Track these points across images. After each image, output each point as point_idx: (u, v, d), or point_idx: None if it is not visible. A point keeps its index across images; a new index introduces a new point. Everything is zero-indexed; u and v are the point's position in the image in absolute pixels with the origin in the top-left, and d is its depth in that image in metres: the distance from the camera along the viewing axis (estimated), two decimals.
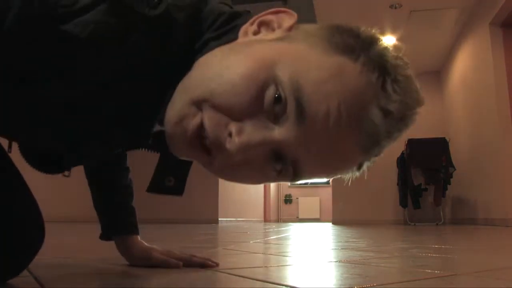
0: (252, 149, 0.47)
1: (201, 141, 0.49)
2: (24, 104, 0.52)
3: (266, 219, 10.04)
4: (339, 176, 0.54)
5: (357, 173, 0.54)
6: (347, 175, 0.54)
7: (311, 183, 11.46)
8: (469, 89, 5.82)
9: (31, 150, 0.69)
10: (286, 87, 0.45)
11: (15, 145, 0.70)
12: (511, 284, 0.76)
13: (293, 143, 0.47)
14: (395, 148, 6.38)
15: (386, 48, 0.49)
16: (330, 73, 0.46)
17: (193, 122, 0.48)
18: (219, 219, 6.40)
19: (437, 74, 7.23)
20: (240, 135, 0.46)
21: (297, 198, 11.43)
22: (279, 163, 0.49)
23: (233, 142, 0.46)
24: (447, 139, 5.93)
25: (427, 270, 0.90)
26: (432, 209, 6.34)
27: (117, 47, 0.47)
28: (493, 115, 4.84)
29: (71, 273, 0.86)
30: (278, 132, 0.47)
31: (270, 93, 0.46)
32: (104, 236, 0.99)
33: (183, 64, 0.53)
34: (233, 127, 0.47)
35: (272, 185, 11.09)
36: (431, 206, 6.28)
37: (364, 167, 0.53)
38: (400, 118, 0.48)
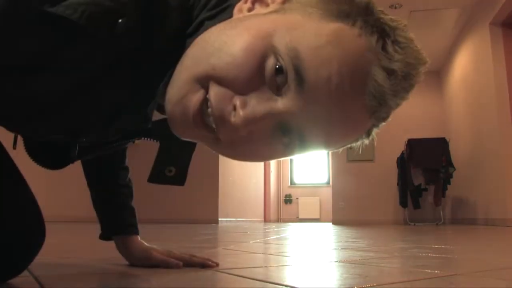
0: (257, 122, 0.46)
1: (203, 118, 0.48)
2: (24, 95, 0.52)
3: (266, 219, 10.04)
4: (348, 145, 0.53)
5: (366, 141, 0.53)
6: (357, 143, 0.53)
7: (311, 183, 11.46)
8: (469, 89, 5.82)
9: (35, 146, 0.68)
10: (285, 57, 0.45)
11: (20, 143, 0.70)
12: (511, 284, 0.76)
13: (297, 112, 0.46)
14: (395, 148, 6.39)
15: (381, 11, 0.48)
16: (328, 38, 0.45)
17: (195, 99, 0.48)
18: (219, 219, 6.40)
19: (437, 74, 7.24)
20: (244, 108, 0.46)
21: (297, 198, 11.42)
22: (285, 136, 0.49)
23: (238, 115, 0.46)
24: (447, 139, 5.94)
25: (427, 270, 0.90)
26: (432, 209, 6.34)
27: (109, 32, 0.46)
28: (493, 115, 4.84)
29: (71, 273, 0.86)
30: (282, 103, 0.46)
31: (270, 64, 0.46)
32: (104, 236, 0.98)
33: (177, 48, 0.52)
34: (237, 100, 0.46)
35: (272, 185, 11.09)
36: (431, 206, 6.28)
37: (373, 133, 0.52)
38: (404, 77, 0.46)
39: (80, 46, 0.47)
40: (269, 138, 0.49)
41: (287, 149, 0.50)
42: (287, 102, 0.46)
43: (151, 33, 0.50)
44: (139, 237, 0.97)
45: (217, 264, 0.93)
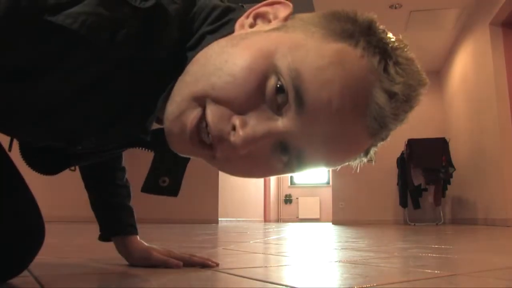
0: (257, 141, 0.46)
1: (200, 136, 0.48)
2: (25, 100, 0.52)
3: (266, 219, 10.04)
4: (346, 164, 0.53)
5: (365, 159, 0.53)
6: (355, 162, 0.53)
7: (311, 183, 11.46)
8: (469, 89, 5.82)
9: (31, 150, 0.69)
10: (286, 77, 0.45)
11: (15, 145, 0.70)
12: (511, 284, 0.76)
13: (297, 132, 0.46)
14: (395, 148, 6.39)
15: (384, 31, 0.48)
16: (330, 60, 0.45)
17: (192, 116, 0.48)
18: (219, 219, 6.40)
19: (437, 74, 7.24)
20: (244, 128, 0.46)
21: (297, 198, 11.43)
22: (285, 155, 0.49)
23: (238, 135, 0.46)
24: (447, 139, 5.94)
25: (427, 270, 0.90)
26: (432, 209, 6.34)
27: (108, 42, 0.46)
28: (493, 115, 4.84)
29: (71, 273, 0.86)
30: (282, 123, 0.46)
31: (271, 83, 0.46)
32: (103, 237, 0.98)
33: (177, 60, 0.52)
34: (236, 120, 0.46)
35: (272, 185, 11.10)
36: (431, 206, 6.29)
37: (371, 152, 0.53)
38: (405, 100, 0.47)
39: (80, 53, 0.47)
40: (268, 157, 0.49)
41: (285, 168, 0.50)
42: (287, 122, 0.46)
43: (151, 43, 0.50)
44: (138, 237, 0.97)
45: (217, 264, 0.93)
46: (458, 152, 6.04)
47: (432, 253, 1.35)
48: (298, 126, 0.46)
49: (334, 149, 0.48)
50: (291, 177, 11.71)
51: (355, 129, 0.47)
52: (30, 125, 0.57)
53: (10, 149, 0.71)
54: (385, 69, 0.46)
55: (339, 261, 1.12)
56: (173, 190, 0.71)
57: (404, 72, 0.46)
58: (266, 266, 1.02)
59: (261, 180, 9.61)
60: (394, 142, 6.42)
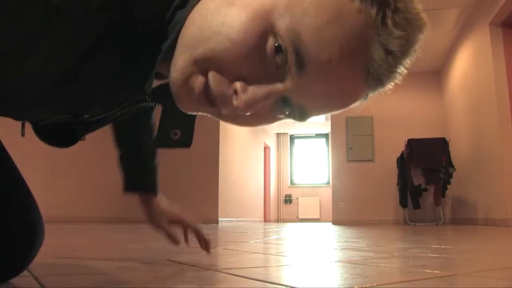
0: (258, 103, 0.47)
1: (208, 97, 0.49)
2: (23, 81, 0.51)
3: (266, 219, 10.05)
4: (347, 108, 0.54)
5: (365, 101, 0.54)
6: (355, 105, 0.54)
7: (311, 183, 11.46)
8: (469, 89, 5.82)
9: (43, 129, 0.68)
10: (285, 37, 0.45)
11: (27, 133, 0.70)
12: (511, 284, 0.76)
13: (298, 92, 0.47)
14: (395, 148, 6.39)
15: None
16: (328, 17, 0.44)
17: (198, 81, 0.48)
18: (219, 219, 6.41)
19: (437, 74, 7.24)
20: (245, 91, 0.47)
21: (297, 198, 11.43)
22: (286, 107, 0.50)
23: (240, 99, 0.47)
24: (447, 139, 5.94)
25: (427, 270, 0.90)
26: (432, 209, 6.35)
27: (85, 8, 0.45)
28: (493, 115, 4.85)
29: (71, 273, 0.86)
30: (282, 85, 0.47)
31: (270, 44, 0.46)
32: (125, 190, 1.05)
33: (167, 20, 0.52)
34: (237, 84, 0.47)
35: (272, 185, 11.10)
36: (431, 206, 6.29)
37: (371, 95, 0.53)
38: (403, 54, 0.47)
39: (63, 25, 0.45)
40: (270, 110, 0.51)
41: (288, 117, 0.53)
42: (287, 83, 0.47)
43: (133, 5, 0.48)
44: (158, 197, 1.04)
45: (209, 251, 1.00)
46: (458, 152, 6.04)
47: (432, 253, 1.35)
48: (299, 86, 0.47)
49: (333, 101, 0.50)
50: (291, 177, 11.72)
51: (354, 83, 0.47)
52: (35, 106, 0.56)
53: (23, 134, 0.71)
54: (383, 21, 0.45)
55: (339, 261, 1.12)
56: (185, 141, 0.70)
57: (403, 21, 0.45)
58: (266, 266, 1.02)
59: (261, 179, 9.62)
60: (394, 142, 6.45)
